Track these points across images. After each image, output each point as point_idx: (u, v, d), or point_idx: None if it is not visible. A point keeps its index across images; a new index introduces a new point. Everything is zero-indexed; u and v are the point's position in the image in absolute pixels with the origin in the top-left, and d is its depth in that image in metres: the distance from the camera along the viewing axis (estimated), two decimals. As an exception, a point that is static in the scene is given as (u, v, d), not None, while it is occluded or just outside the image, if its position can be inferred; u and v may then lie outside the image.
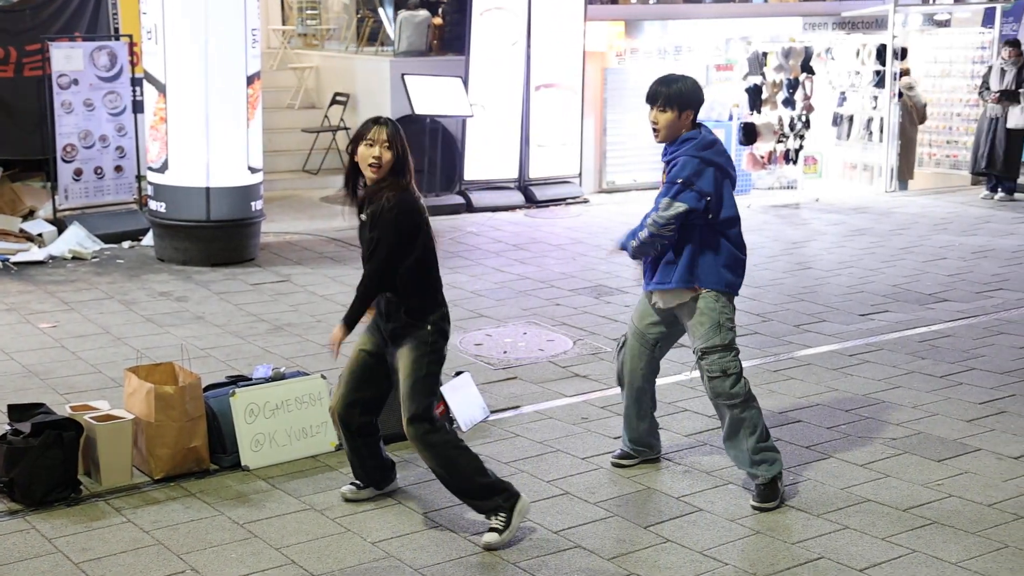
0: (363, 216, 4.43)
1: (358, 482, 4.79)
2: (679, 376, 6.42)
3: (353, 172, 4.47)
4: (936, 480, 5.04)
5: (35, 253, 9.11)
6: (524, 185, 12.01)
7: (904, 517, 4.67)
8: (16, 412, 5.04)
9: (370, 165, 4.35)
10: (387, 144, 4.35)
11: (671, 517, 4.67)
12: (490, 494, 4.39)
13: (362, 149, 4.37)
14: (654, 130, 4.80)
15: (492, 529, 4.37)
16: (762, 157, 12.06)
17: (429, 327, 4.39)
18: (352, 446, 4.66)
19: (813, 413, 5.88)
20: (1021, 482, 5.03)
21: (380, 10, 14.53)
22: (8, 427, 4.89)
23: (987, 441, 5.50)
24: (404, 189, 4.37)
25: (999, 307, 8.09)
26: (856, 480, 5.03)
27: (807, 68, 12.34)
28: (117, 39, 10.26)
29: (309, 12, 15.78)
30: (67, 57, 9.61)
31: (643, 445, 5.17)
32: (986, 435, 5.58)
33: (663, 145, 4.85)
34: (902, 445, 5.45)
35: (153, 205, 9.11)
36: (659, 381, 5.82)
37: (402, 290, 4.38)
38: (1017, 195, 12.64)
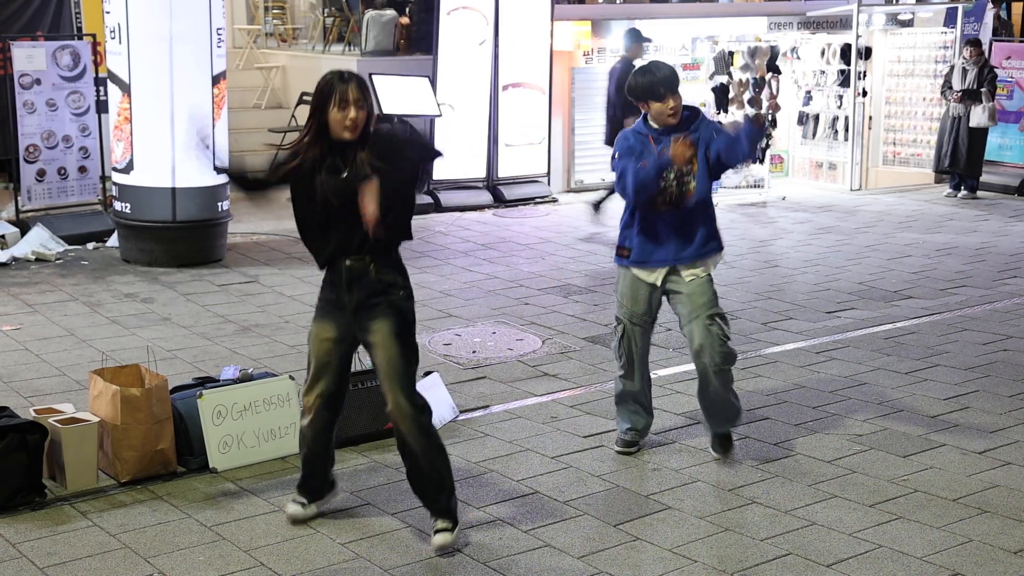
0: (345, 174, 4.14)
1: (304, 499, 4.57)
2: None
3: (320, 133, 4.18)
4: (902, 475, 5.09)
5: (-2, 255, 9.02)
6: (492, 185, 12.00)
7: (870, 512, 4.71)
8: (-21, 416, 4.98)
9: (346, 127, 4.12)
10: (361, 103, 4.12)
11: (640, 515, 4.68)
12: (453, 493, 4.38)
13: (334, 111, 4.11)
14: (673, 114, 4.96)
15: (441, 530, 4.29)
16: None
17: (402, 292, 4.26)
18: (316, 447, 4.48)
19: (780, 410, 5.92)
20: (985, 477, 5.09)
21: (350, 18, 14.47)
22: (-29, 431, 4.82)
23: (952, 436, 5.56)
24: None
25: (963, 304, 8.18)
26: (823, 476, 5.08)
27: (773, 67, 12.42)
28: (80, 39, 10.16)
29: (275, 12, 15.70)
30: (29, 57, 9.51)
31: (646, 415, 5.40)
32: (951, 431, 5.64)
33: (651, 127, 5.03)
34: (868, 441, 5.50)
35: (118, 206, 9.03)
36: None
37: (386, 242, 4.20)
38: (980, 193, 12.79)
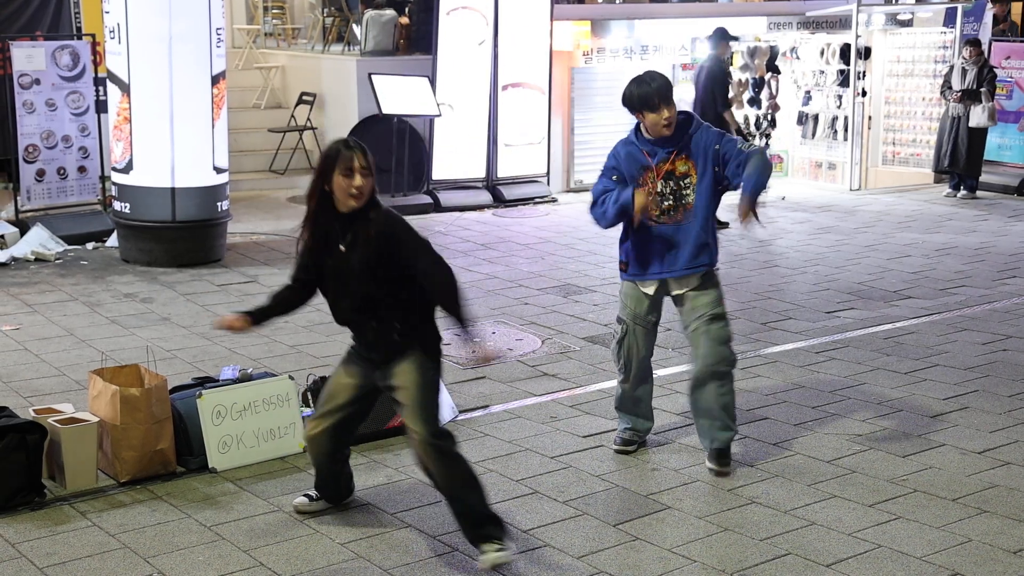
0: (342, 246, 4.11)
1: (313, 493, 4.65)
2: (647, 374, 6.45)
3: (323, 202, 4.12)
4: (901, 475, 5.09)
5: (-3, 255, 9.02)
6: (492, 184, 12.01)
7: (870, 512, 4.71)
8: (-21, 416, 4.98)
9: (352, 195, 4.05)
10: (366, 170, 4.06)
11: (640, 515, 4.68)
12: (498, 519, 4.23)
13: (339, 179, 4.04)
14: (668, 125, 4.94)
15: (497, 551, 4.13)
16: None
17: (426, 355, 4.23)
18: (332, 471, 4.56)
19: (780, 410, 5.92)
20: (985, 477, 5.09)
21: (354, 25, 14.47)
22: (-30, 431, 4.82)
23: (951, 436, 5.56)
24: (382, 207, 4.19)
25: (962, 304, 8.18)
26: (823, 476, 5.08)
27: (772, 67, 12.42)
28: (79, 38, 10.16)
29: (275, 11, 15.70)
30: (28, 57, 9.51)
31: (646, 420, 5.40)
32: (950, 430, 5.64)
33: (646, 139, 5.01)
34: (868, 441, 5.50)
35: (117, 206, 9.03)
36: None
37: (405, 307, 4.17)
38: (979, 193, 12.79)
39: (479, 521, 4.17)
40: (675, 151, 4.96)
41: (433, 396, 4.23)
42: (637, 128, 5.05)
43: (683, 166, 4.97)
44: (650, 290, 5.10)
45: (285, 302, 4.42)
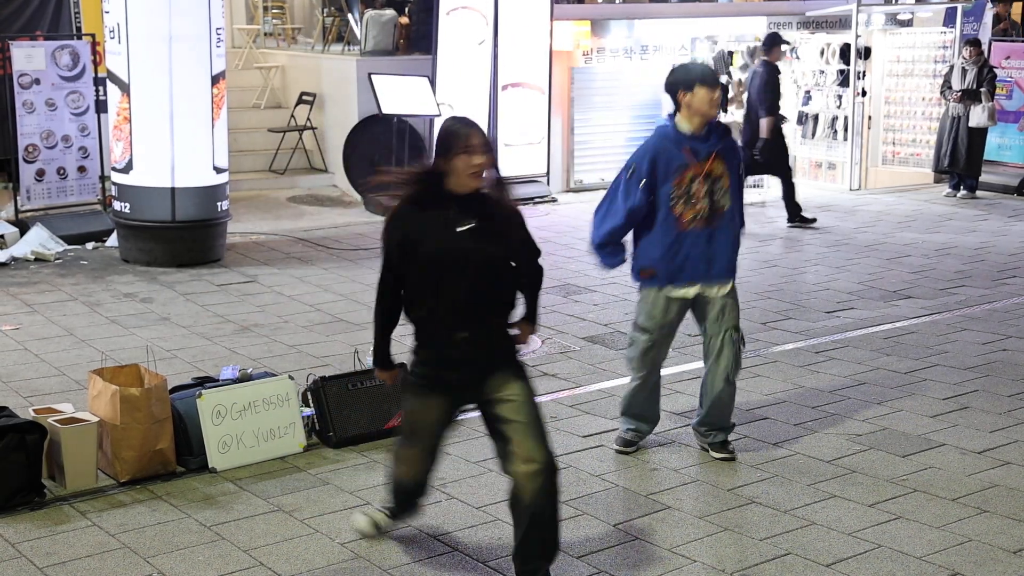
0: (471, 223, 3.81)
1: (387, 511, 4.37)
2: (647, 374, 6.45)
3: (432, 184, 3.85)
4: (901, 475, 5.09)
5: (-3, 255, 9.02)
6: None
7: (870, 512, 4.71)
8: (-22, 416, 4.98)
9: (473, 174, 3.82)
10: (486, 148, 3.84)
11: (640, 515, 4.68)
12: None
13: (461, 159, 3.79)
14: (715, 106, 4.92)
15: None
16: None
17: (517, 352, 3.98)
18: (411, 490, 4.25)
19: (780, 410, 5.92)
20: (985, 476, 5.09)
21: (350, 17, 14.46)
22: (-30, 431, 4.82)
23: (951, 436, 5.56)
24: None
25: (962, 304, 8.18)
26: (822, 476, 5.08)
27: (772, 67, 12.40)
28: (79, 38, 10.16)
29: (274, 11, 15.69)
30: (28, 56, 9.51)
31: (653, 423, 5.38)
32: (950, 430, 5.64)
33: (684, 132, 4.95)
34: (868, 441, 5.50)
35: (117, 206, 9.02)
36: (626, 380, 5.85)
37: (510, 306, 3.94)
38: (979, 193, 12.79)
39: (550, 560, 3.97)
40: (715, 152, 4.93)
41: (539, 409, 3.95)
42: (673, 121, 4.97)
43: (719, 168, 4.94)
44: (683, 294, 5.01)
45: (396, 313, 4.01)
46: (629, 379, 5.35)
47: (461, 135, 3.82)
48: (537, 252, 4.04)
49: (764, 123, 10.65)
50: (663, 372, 6.37)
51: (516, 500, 3.88)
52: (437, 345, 3.90)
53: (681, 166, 4.89)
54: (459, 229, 3.81)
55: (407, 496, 4.27)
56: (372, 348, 4.12)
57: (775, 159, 10.83)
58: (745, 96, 11.11)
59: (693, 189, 4.89)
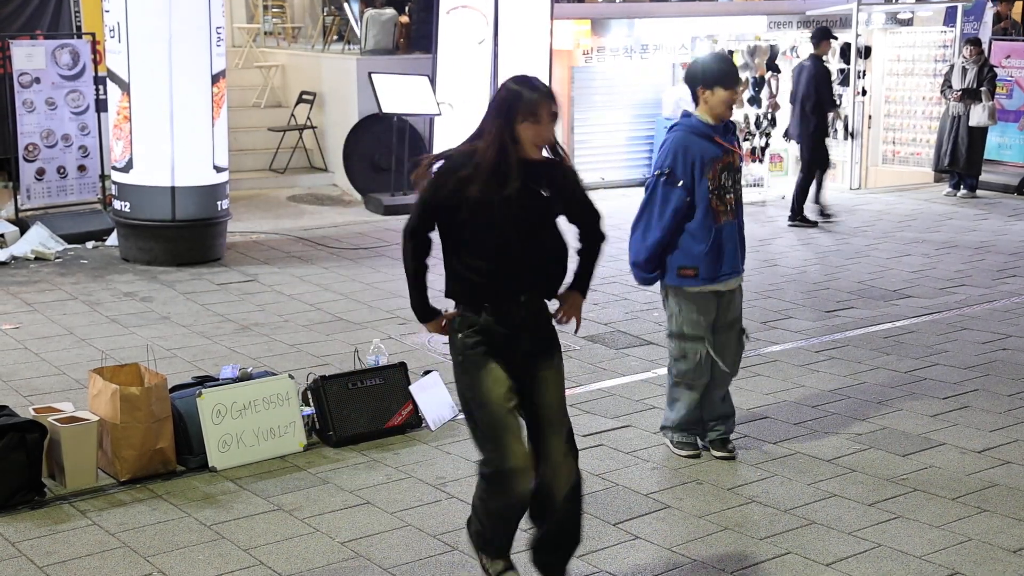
0: (544, 191, 3.63)
1: (509, 562, 3.88)
2: (647, 374, 6.44)
3: (506, 144, 3.58)
4: (901, 475, 5.09)
5: (-3, 254, 9.02)
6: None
7: (870, 512, 4.71)
8: (-22, 415, 4.98)
9: (537, 145, 3.64)
10: (554, 118, 3.66)
11: (640, 514, 4.68)
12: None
13: (530, 127, 3.59)
14: (730, 108, 4.93)
15: None
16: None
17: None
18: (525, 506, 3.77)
19: (780, 409, 5.92)
20: (985, 476, 5.09)
21: (346, 6, 14.46)
22: (-30, 430, 4.82)
23: (951, 436, 5.56)
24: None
25: (962, 303, 8.18)
26: (822, 475, 5.08)
27: (772, 66, 12.41)
28: (79, 37, 10.16)
29: (274, 10, 15.69)
30: (28, 55, 9.51)
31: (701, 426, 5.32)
32: (950, 430, 5.64)
33: (709, 124, 4.92)
34: (867, 440, 5.50)
35: (117, 205, 9.02)
36: (627, 379, 5.86)
37: (559, 279, 3.73)
38: (979, 192, 12.79)
39: (570, 558, 3.88)
40: (733, 144, 4.96)
41: None
42: (693, 117, 4.93)
43: (736, 158, 4.98)
44: (725, 287, 4.99)
45: (426, 263, 3.77)
46: (676, 395, 5.16)
47: (530, 101, 3.59)
48: (597, 215, 3.84)
49: (831, 117, 11.06)
50: (663, 372, 6.38)
51: (546, 497, 3.70)
52: (500, 308, 3.62)
53: (715, 158, 4.88)
54: (519, 191, 3.57)
55: (521, 493, 3.63)
56: (411, 304, 3.79)
57: (813, 153, 10.94)
58: (791, 90, 11.28)
59: (723, 180, 4.91)
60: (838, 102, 11.22)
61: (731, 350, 5.12)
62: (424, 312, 3.78)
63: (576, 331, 3.88)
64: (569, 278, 3.86)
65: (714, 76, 4.87)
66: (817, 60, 10.90)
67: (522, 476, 3.59)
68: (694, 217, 4.89)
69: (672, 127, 5.04)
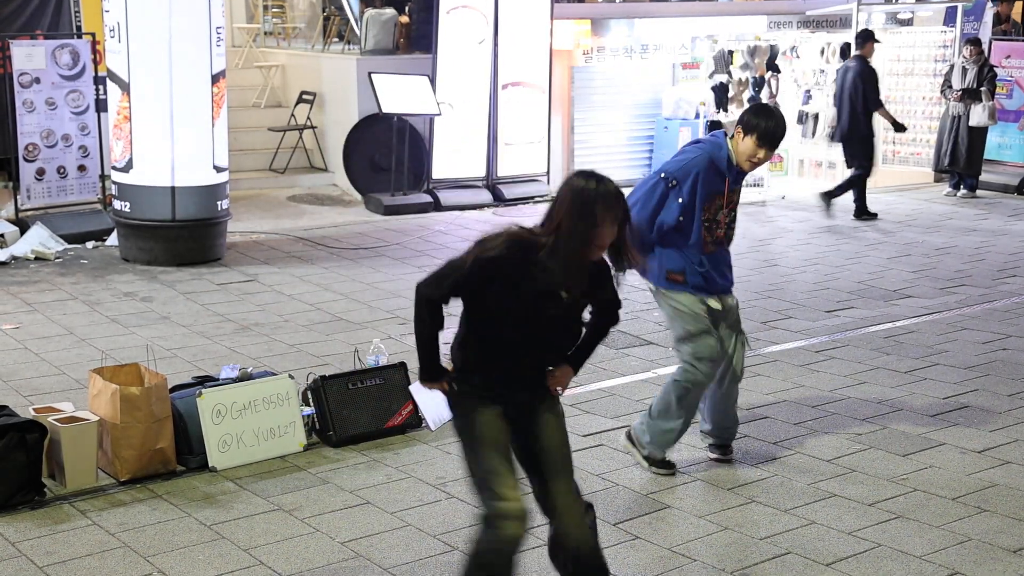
0: (564, 294, 3.47)
1: None
2: (647, 374, 6.45)
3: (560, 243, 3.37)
4: (901, 474, 5.09)
5: (-3, 254, 9.02)
6: (492, 184, 12.00)
7: (870, 511, 4.71)
8: (-22, 415, 4.98)
9: (599, 248, 3.43)
10: (626, 219, 3.44)
11: (640, 514, 4.68)
12: None
13: (607, 230, 3.38)
14: (755, 164, 4.77)
15: None
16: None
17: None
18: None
19: (780, 409, 5.92)
20: (985, 476, 5.09)
21: (346, 6, 14.46)
22: (-30, 430, 4.82)
23: (951, 435, 5.56)
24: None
25: (962, 303, 8.18)
26: (822, 475, 5.08)
27: (772, 66, 12.42)
28: (79, 37, 10.15)
29: (274, 10, 15.69)
30: (28, 55, 9.50)
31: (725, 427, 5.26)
32: (950, 429, 5.64)
33: (730, 162, 4.81)
34: (868, 440, 5.50)
35: (117, 205, 9.02)
36: (627, 379, 5.85)
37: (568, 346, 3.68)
38: (979, 192, 12.79)
39: None
40: (737, 187, 4.90)
41: None
42: (727, 150, 4.79)
43: (738, 196, 4.94)
44: (714, 305, 4.95)
45: (441, 322, 3.60)
46: (677, 409, 5.00)
47: (605, 203, 3.35)
48: (619, 304, 3.72)
49: (880, 115, 11.26)
50: (661, 372, 6.38)
51: (567, 544, 3.59)
52: (501, 366, 3.54)
53: (715, 192, 4.80)
54: (563, 296, 3.45)
55: (514, 536, 3.47)
56: (420, 363, 3.64)
57: (863, 151, 11.19)
58: (835, 92, 11.48)
59: (718, 216, 4.86)
60: (883, 103, 11.49)
61: (738, 352, 5.07)
62: (434, 373, 3.62)
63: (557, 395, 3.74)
64: None
65: (763, 132, 4.68)
66: (862, 61, 11.16)
67: (513, 520, 3.43)
68: (685, 237, 4.82)
69: (698, 142, 4.97)
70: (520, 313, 3.43)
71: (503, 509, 3.43)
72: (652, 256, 4.89)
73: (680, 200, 4.76)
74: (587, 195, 3.37)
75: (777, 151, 5.11)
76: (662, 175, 4.83)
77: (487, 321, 3.48)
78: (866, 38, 11.32)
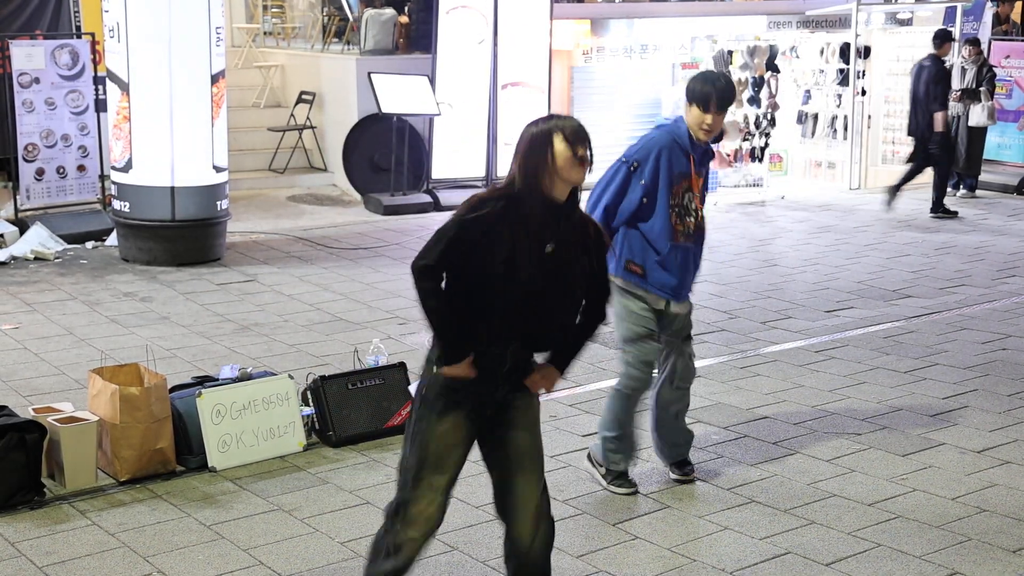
0: (549, 247, 3.38)
1: None
2: (647, 373, 6.44)
3: (531, 185, 3.38)
4: (901, 475, 5.09)
5: (-3, 254, 9.02)
6: (492, 183, 12.00)
7: (869, 512, 4.71)
8: (-22, 415, 4.98)
9: (572, 179, 3.41)
10: (590, 151, 3.44)
11: (639, 514, 4.68)
12: None
13: (574, 167, 3.38)
14: (707, 132, 4.66)
15: None
16: (728, 155, 12.13)
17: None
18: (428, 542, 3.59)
19: (779, 409, 5.92)
20: (984, 476, 5.09)
21: (345, 6, 14.46)
22: (-30, 430, 4.82)
23: (951, 436, 5.56)
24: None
25: (961, 303, 8.18)
26: (822, 475, 5.08)
27: (772, 66, 12.41)
28: (79, 37, 10.15)
29: (274, 10, 15.69)
30: (28, 55, 9.50)
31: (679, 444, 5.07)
32: (950, 430, 5.64)
33: (691, 138, 4.68)
34: (867, 440, 5.50)
35: (117, 205, 9.02)
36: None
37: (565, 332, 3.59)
38: (979, 192, 12.79)
39: None
40: (702, 172, 4.76)
41: None
42: (687, 128, 4.69)
43: (702, 181, 4.78)
44: (660, 305, 4.75)
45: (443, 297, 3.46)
46: (619, 411, 4.87)
47: (562, 132, 3.38)
48: (608, 293, 3.65)
49: (939, 117, 11.33)
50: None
51: (515, 547, 3.57)
52: (484, 357, 3.41)
53: (681, 174, 4.68)
54: (546, 249, 3.37)
55: (427, 540, 3.53)
56: (443, 345, 3.43)
57: (944, 152, 11.41)
58: (910, 90, 11.66)
59: (686, 201, 4.70)
60: (947, 106, 11.63)
61: (682, 359, 4.85)
62: (459, 352, 3.41)
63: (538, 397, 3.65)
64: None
65: (691, 92, 4.66)
66: (937, 60, 11.36)
67: (420, 524, 3.48)
68: (653, 226, 4.67)
69: (659, 125, 4.86)
70: (510, 274, 3.33)
71: (413, 511, 3.48)
72: (614, 243, 4.72)
73: (642, 182, 4.63)
74: (539, 130, 3.42)
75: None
76: (623, 160, 4.72)
77: (476, 292, 3.38)
78: (943, 39, 11.51)
